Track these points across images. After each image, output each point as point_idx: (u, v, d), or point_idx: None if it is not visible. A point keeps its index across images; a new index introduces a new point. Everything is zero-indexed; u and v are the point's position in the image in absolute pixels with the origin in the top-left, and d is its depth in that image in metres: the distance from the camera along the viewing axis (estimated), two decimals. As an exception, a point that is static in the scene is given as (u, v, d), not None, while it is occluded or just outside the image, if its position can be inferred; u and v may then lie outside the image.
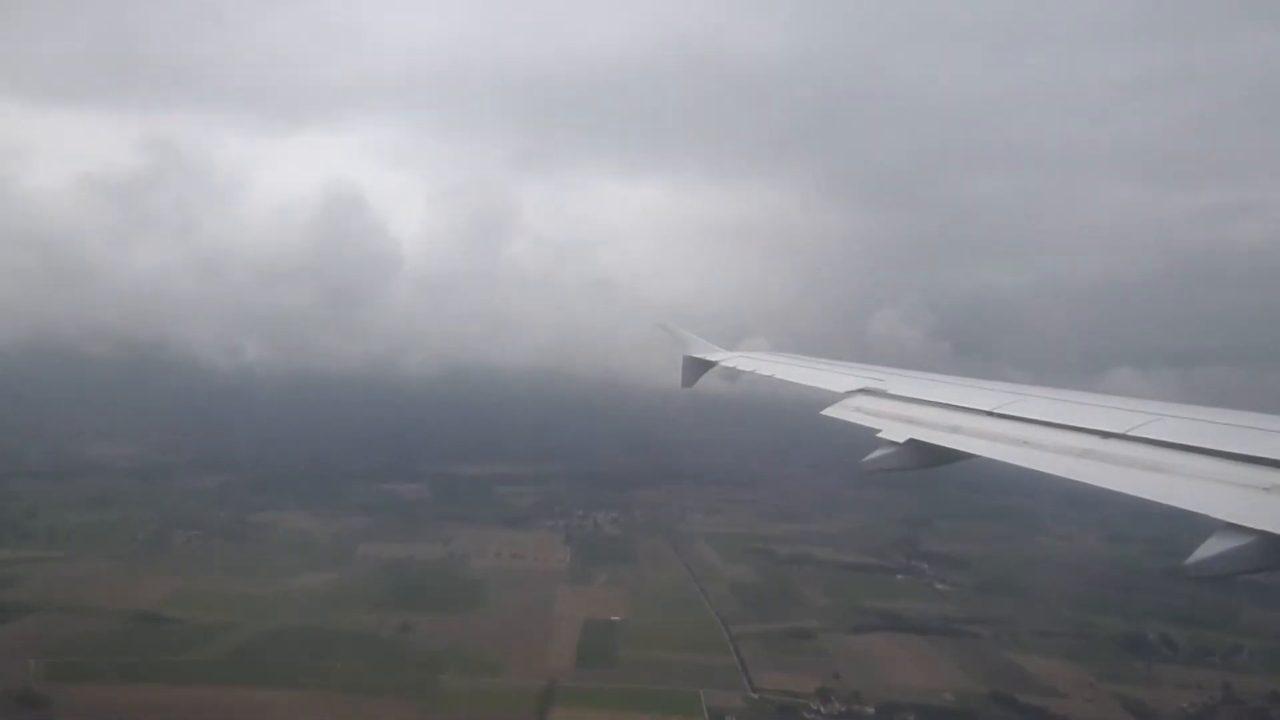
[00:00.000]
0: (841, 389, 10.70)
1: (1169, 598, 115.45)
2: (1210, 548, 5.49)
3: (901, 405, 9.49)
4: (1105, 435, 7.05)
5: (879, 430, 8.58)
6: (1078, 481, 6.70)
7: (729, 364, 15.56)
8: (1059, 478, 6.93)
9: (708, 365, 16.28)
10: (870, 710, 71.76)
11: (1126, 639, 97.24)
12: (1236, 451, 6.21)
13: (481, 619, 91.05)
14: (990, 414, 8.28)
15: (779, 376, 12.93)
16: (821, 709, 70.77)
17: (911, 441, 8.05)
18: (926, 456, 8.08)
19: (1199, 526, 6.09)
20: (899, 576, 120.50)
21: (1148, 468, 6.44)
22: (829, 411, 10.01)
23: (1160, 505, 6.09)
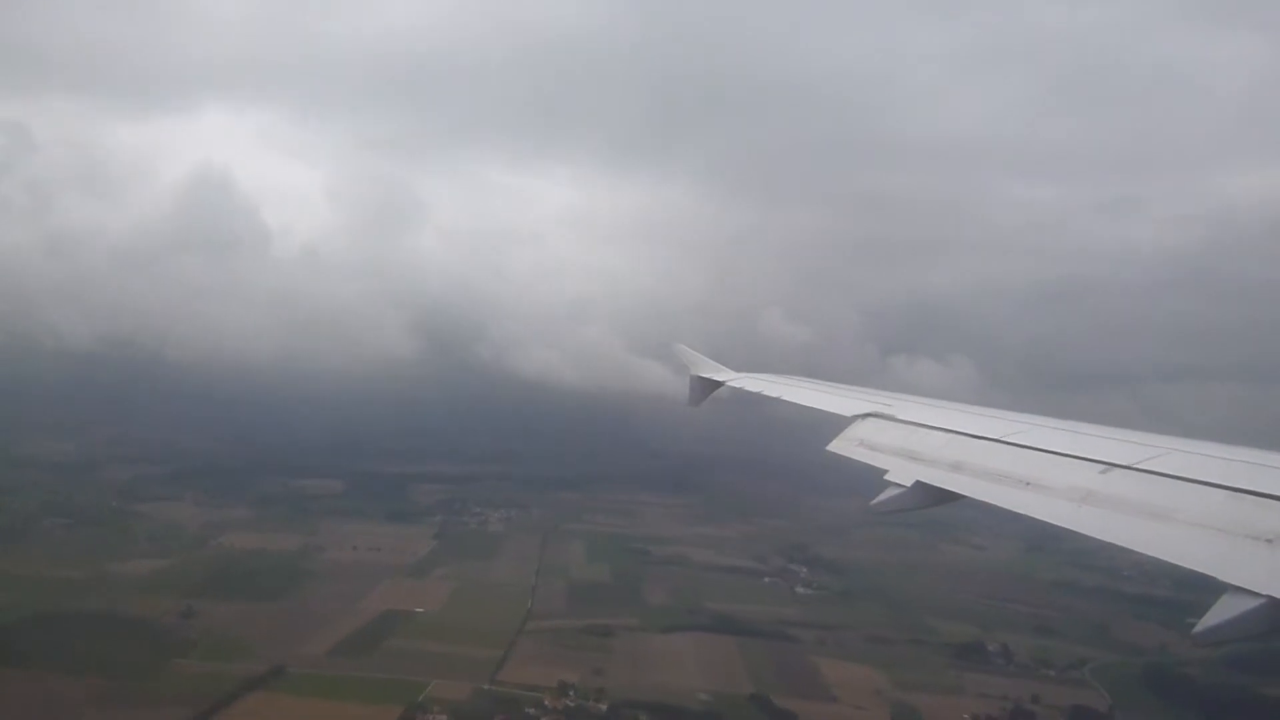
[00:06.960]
0: (849, 413, 10.94)
1: (1045, 609, 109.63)
2: (1219, 613, 4.89)
3: (908, 432, 9.67)
4: (1109, 466, 6.95)
5: (886, 471, 8.75)
6: (1076, 532, 6.45)
7: (736, 384, 15.83)
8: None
9: (715, 385, 16.60)
10: (603, 708, 68.40)
11: (962, 648, 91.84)
12: (1241, 487, 5.90)
13: (278, 607, 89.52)
14: (998, 441, 8.44)
15: (787, 399, 13.19)
16: (546, 703, 67.68)
17: (918, 484, 8.24)
18: (932, 497, 8.18)
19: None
20: (765, 580, 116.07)
21: (1151, 514, 6.12)
22: (834, 446, 10.20)
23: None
